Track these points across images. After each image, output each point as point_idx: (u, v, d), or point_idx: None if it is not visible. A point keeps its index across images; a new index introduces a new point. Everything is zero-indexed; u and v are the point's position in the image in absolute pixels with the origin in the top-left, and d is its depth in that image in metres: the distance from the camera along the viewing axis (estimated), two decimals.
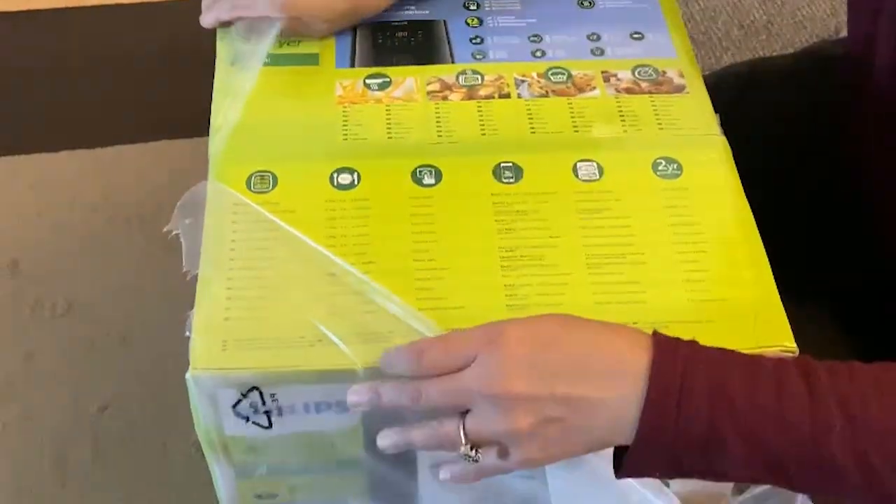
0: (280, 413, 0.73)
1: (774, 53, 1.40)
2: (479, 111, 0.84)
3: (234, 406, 0.73)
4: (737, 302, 0.74)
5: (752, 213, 0.79)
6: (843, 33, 1.00)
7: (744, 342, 0.72)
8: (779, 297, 0.75)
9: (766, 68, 1.09)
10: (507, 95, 0.85)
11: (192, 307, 0.95)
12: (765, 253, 0.77)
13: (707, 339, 0.71)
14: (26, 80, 1.51)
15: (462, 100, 0.85)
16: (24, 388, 1.07)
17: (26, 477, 1.01)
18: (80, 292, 1.15)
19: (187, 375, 0.71)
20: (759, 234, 0.78)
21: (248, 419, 0.73)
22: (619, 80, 0.86)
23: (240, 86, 0.85)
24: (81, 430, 1.02)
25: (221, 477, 0.79)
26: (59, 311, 1.12)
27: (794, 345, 0.72)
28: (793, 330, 0.76)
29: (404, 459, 0.79)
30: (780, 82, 1.04)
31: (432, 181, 0.80)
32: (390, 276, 0.75)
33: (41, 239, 1.20)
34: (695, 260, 0.76)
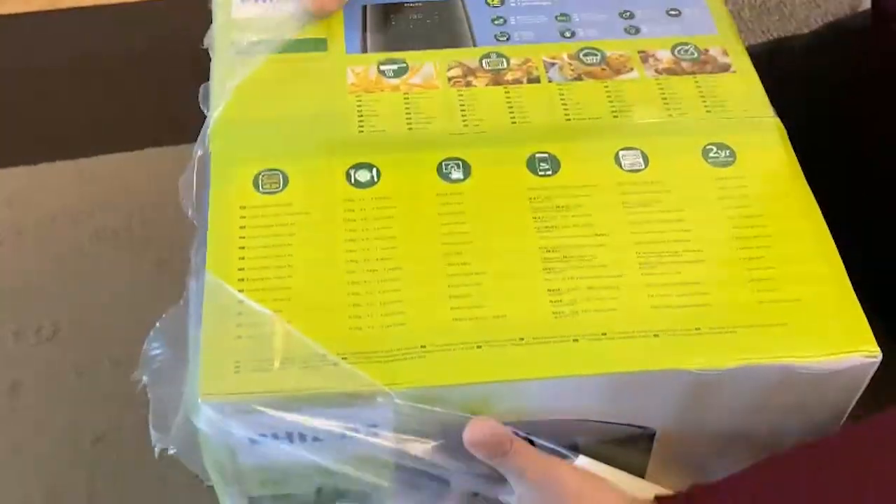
0: (303, 439, 0.63)
1: (789, 34, 1.31)
2: (507, 97, 0.74)
3: (249, 433, 0.62)
4: (810, 302, 0.64)
5: (816, 202, 0.69)
6: (861, 8, 0.91)
7: (821, 348, 0.62)
8: (854, 294, 0.65)
9: (786, 48, 0.99)
10: (537, 80, 0.75)
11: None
12: (834, 245, 0.67)
13: (780, 345, 0.62)
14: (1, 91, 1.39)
15: (487, 85, 0.74)
16: (10, 422, 0.96)
17: None
18: (67, 314, 1.04)
19: (198, 402, 0.61)
20: (825, 225, 0.68)
21: (264, 446, 0.63)
22: (657, 60, 0.76)
23: (242, 76, 0.75)
24: (75, 465, 0.91)
25: None
26: (45, 336, 1.01)
27: (877, 348, 0.63)
28: None
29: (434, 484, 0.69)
30: (801, 61, 0.94)
31: (460, 175, 0.69)
32: (420, 283, 0.64)
33: (21, 258, 1.09)
34: (759, 256, 0.66)
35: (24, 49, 1.47)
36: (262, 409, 0.60)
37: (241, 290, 0.64)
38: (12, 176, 1.19)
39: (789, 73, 0.93)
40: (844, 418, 0.68)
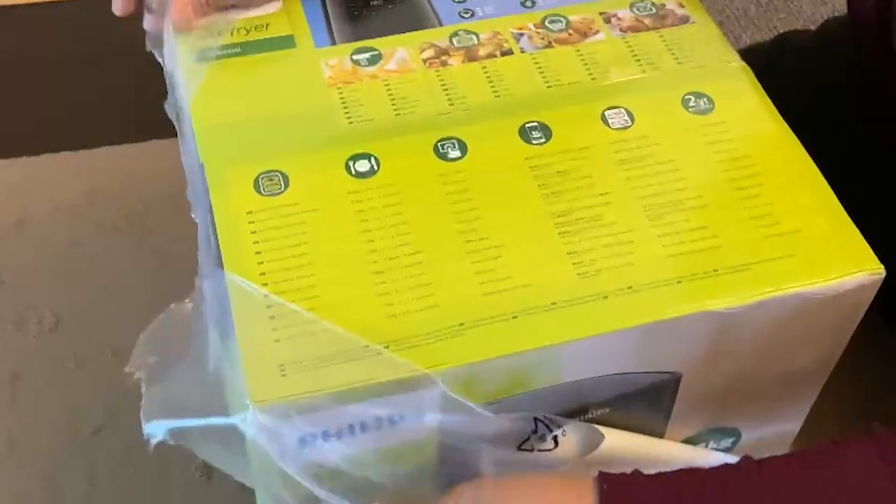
0: (352, 432, 0.63)
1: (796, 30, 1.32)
2: (485, 72, 0.75)
3: (300, 434, 0.62)
4: (810, 231, 0.67)
5: (794, 135, 0.72)
6: None
7: (829, 272, 0.65)
8: (848, 217, 0.68)
9: (793, 43, 1.02)
10: (510, 52, 0.76)
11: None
12: (820, 174, 0.70)
13: (792, 275, 0.65)
14: (2, 79, 1.35)
15: (463, 62, 0.75)
16: (10, 412, 0.93)
17: None
18: (68, 305, 1.01)
19: (248, 412, 0.60)
20: (808, 156, 0.71)
21: (313, 445, 0.63)
22: (620, 19, 0.78)
23: (215, 82, 0.74)
24: (75, 456, 0.89)
25: None
26: (47, 327, 0.98)
27: (880, 265, 0.66)
28: None
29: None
30: (808, 55, 0.97)
31: (458, 154, 0.70)
32: (444, 263, 0.65)
33: (23, 249, 1.05)
34: (755, 195, 0.68)
35: (24, 39, 1.43)
36: (312, 408, 0.60)
37: (266, 295, 0.64)
38: (14, 167, 1.15)
39: (795, 70, 0.95)
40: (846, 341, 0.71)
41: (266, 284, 0.64)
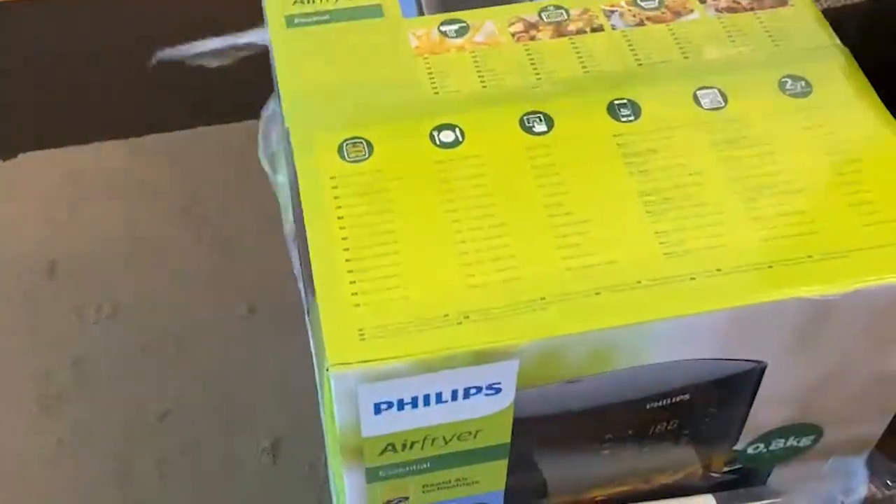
0: (427, 403, 0.62)
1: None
2: (574, 48, 0.74)
3: (377, 400, 0.62)
4: None
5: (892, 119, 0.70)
6: None
7: None
8: None
9: (845, 15, 1.00)
10: (600, 28, 0.75)
11: (247, 301, 0.83)
12: None
13: (886, 266, 0.63)
14: (50, 68, 1.35)
15: (552, 37, 0.74)
16: (76, 400, 0.93)
17: (88, 494, 0.88)
18: (126, 293, 1.01)
19: (327, 374, 0.60)
20: None
21: (390, 413, 0.63)
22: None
23: (303, 48, 0.74)
24: (142, 441, 0.89)
25: (350, 486, 0.68)
26: (105, 314, 0.98)
27: None
28: None
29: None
30: (862, 28, 0.95)
31: (544, 128, 0.69)
32: (527, 236, 0.64)
33: (78, 238, 1.05)
34: (855, 181, 0.67)
35: (75, 29, 1.42)
36: (389, 374, 0.60)
37: (348, 260, 0.63)
38: (67, 155, 1.16)
39: (848, 38, 0.94)
40: None
41: (347, 249, 0.64)
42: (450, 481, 0.70)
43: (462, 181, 0.66)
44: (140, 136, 1.18)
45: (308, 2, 0.76)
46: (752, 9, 0.76)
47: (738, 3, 0.76)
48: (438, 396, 0.62)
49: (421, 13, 0.76)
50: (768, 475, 0.78)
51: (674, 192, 0.66)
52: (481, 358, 0.60)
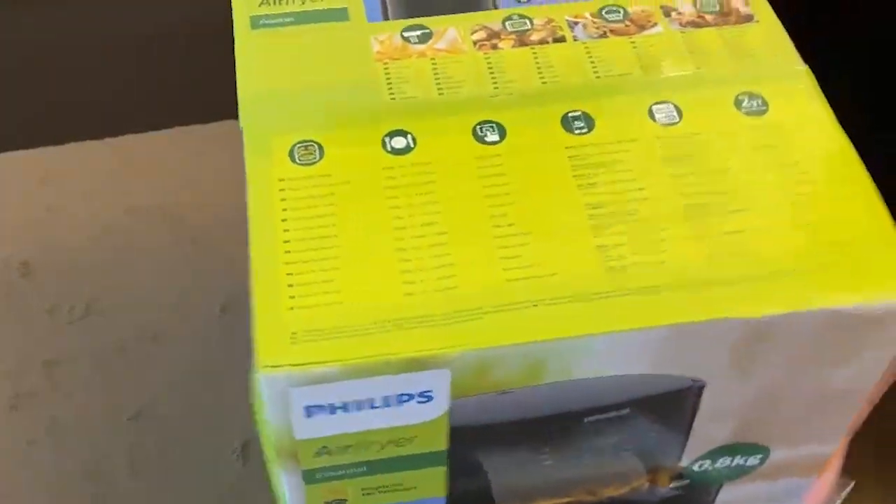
0: (359, 408, 0.63)
1: None
2: (535, 58, 0.74)
3: (308, 403, 0.62)
4: (857, 244, 0.65)
5: (852, 146, 0.70)
6: None
7: (870, 289, 0.63)
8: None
9: None
10: (563, 39, 0.75)
11: (220, 301, 0.84)
12: (875, 187, 0.68)
13: (830, 289, 0.63)
14: (26, 69, 1.36)
15: (514, 47, 0.75)
16: (48, 400, 0.95)
17: (60, 495, 0.89)
18: (101, 292, 1.02)
19: (257, 376, 0.61)
20: (864, 167, 0.69)
21: (321, 417, 0.63)
22: (680, 13, 0.77)
23: (265, 49, 0.75)
24: (115, 441, 0.91)
25: (288, 486, 0.69)
26: (79, 314, 1.00)
27: None
28: None
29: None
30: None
31: (496, 138, 0.70)
32: (469, 246, 0.65)
33: (53, 237, 1.07)
34: (803, 202, 0.67)
35: (51, 27, 1.44)
36: (319, 378, 0.61)
37: (287, 263, 0.64)
38: (42, 155, 1.18)
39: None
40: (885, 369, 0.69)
41: (289, 252, 0.64)
42: (388, 486, 0.71)
43: (409, 188, 0.67)
44: (117, 136, 1.20)
45: (274, 3, 0.77)
46: (716, 24, 0.76)
47: (703, 18, 0.76)
48: (371, 402, 0.63)
49: (386, 18, 0.77)
50: (717, 492, 0.79)
51: (620, 207, 0.66)
52: (412, 366, 0.61)
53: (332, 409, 0.63)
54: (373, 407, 0.63)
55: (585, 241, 0.65)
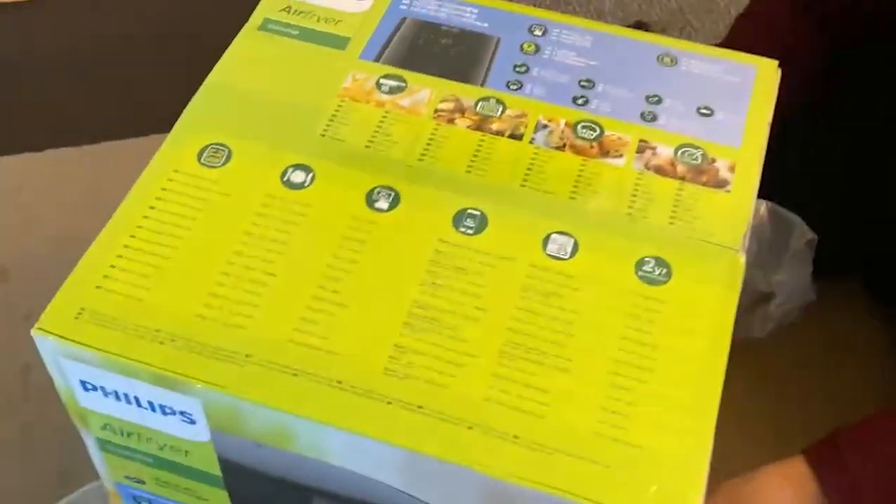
0: (129, 401, 0.66)
1: None
2: (478, 146, 0.72)
3: (80, 379, 0.66)
4: (650, 454, 0.60)
5: (726, 355, 0.64)
6: None
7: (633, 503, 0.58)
8: (704, 467, 0.60)
9: None
10: (520, 137, 0.73)
11: None
12: (716, 410, 0.62)
13: (589, 486, 0.59)
14: (2, 75, 1.44)
15: (468, 128, 0.73)
16: (23, 403, 1.02)
17: (32, 497, 0.97)
18: None
19: (32, 332, 0.65)
20: (721, 384, 0.63)
21: (98, 397, 0.67)
22: (655, 154, 0.72)
23: (255, 52, 0.77)
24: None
25: (90, 448, 0.73)
26: None
27: None
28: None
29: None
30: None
31: (384, 206, 0.69)
32: (282, 295, 0.65)
33: (30, 244, 1.14)
34: (629, 387, 0.62)
35: (25, 36, 1.51)
36: (78, 357, 0.64)
37: (126, 246, 0.67)
38: (18, 163, 1.23)
39: None
40: None
41: (134, 237, 0.68)
42: (180, 486, 0.73)
43: (274, 221, 0.68)
44: (92, 144, 1.23)
45: (293, 13, 0.79)
46: (682, 178, 0.70)
47: (674, 167, 0.71)
48: (137, 400, 0.65)
49: (378, 59, 0.77)
50: None
51: (443, 317, 0.64)
52: (162, 382, 0.63)
53: (105, 392, 0.66)
54: (140, 406, 0.66)
55: (388, 335, 0.64)
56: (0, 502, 0.97)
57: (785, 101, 0.77)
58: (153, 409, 0.66)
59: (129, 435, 0.69)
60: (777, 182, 0.77)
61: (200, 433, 0.66)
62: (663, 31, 1.57)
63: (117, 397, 0.66)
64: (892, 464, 0.84)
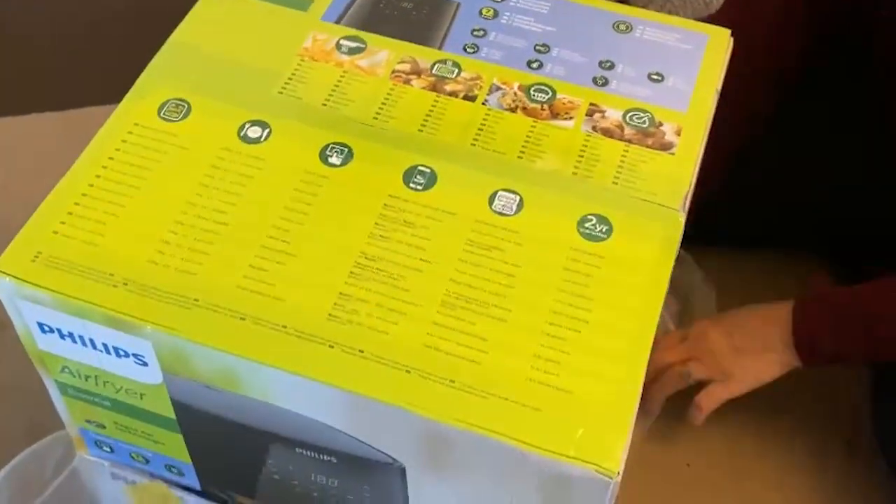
0: (84, 343, 0.70)
1: None
2: (432, 106, 0.76)
3: (37, 320, 0.70)
4: (580, 399, 0.64)
5: (659, 310, 0.68)
6: None
7: (559, 445, 0.62)
8: (630, 414, 0.64)
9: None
10: (473, 98, 0.77)
11: None
12: (646, 361, 0.66)
13: (520, 427, 0.63)
14: None
15: (423, 88, 0.77)
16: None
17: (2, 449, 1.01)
18: None
19: None
20: (651, 337, 0.67)
21: (54, 337, 0.71)
22: (604, 117, 0.76)
23: (216, 13, 0.82)
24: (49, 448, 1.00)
25: (51, 390, 0.77)
26: None
27: (616, 469, 0.62)
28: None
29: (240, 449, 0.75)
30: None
31: (337, 162, 0.73)
32: (233, 244, 0.69)
33: (7, 208, 1.16)
34: (562, 337, 0.66)
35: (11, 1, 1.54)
36: (34, 299, 0.68)
37: (84, 194, 0.71)
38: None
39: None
40: None
41: (92, 186, 0.72)
42: (137, 430, 0.77)
43: (228, 174, 0.72)
44: (66, 110, 1.26)
45: None
46: (628, 140, 0.74)
47: (621, 130, 0.75)
48: (92, 343, 0.70)
49: (339, 20, 0.81)
50: None
51: (388, 267, 0.68)
52: (113, 323, 0.67)
53: (62, 334, 0.70)
54: (95, 348, 0.70)
55: (334, 284, 0.68)
56: None
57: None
58: (107, 352, 0.70)
59: (86, 378, 0.74)
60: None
61: (153, 375, 0.70)
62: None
63: (73, 339, 0.70)
64: (846, 317, 1.02)
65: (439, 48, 0.80)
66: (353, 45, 0.80)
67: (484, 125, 0.75)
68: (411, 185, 0.72)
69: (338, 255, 0.69)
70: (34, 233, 0.70)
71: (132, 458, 0.81)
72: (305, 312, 0.67)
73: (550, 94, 0.77)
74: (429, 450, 0.66)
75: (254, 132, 0.75)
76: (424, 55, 0.79)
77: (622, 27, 0.82)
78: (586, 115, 0.76)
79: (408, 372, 0.65)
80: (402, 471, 0.69)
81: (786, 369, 1.04)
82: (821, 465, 1.14)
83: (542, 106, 0.77)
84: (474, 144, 0.75)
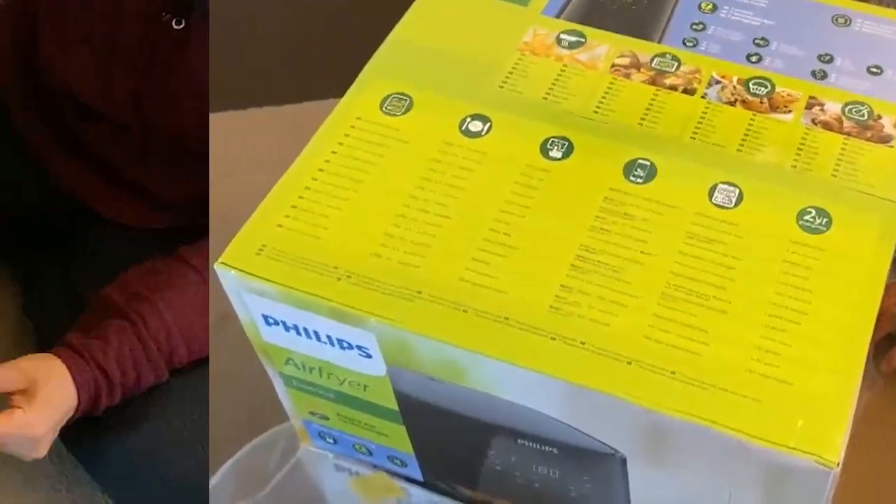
0: (308, 336, 0.75)
1: None
2: (651, 100, 0.79)
3: (262, 313, 0.75)
4: (799, 390, 0.65)
5: (879, 302, 0.69)
6: None
7: (780, 437, 0.64)
8: (850, 405, 0.65)
9: None
10: (692, 92, 0.79)
11: None
12: (865, 352, 0.67)
13: (741, 418, 0.65)
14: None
15: (643, 82, 0.80)
16: (221, 349, 1.06)
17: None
18: None
19: (214, 266, 0.74)
20: (870, 330, 0.68)
21: (279, 331, 0.76)
22: (823, 111, 0.77)
23: (438, 7, 0.86)
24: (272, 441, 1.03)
25: (276, 383, 0.82)
26: None
27: (836, 460, 0.63)
28: None
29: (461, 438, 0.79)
30: None
31: (558, 155, 0.76)
32: (455, 237, 0.73)
33: (228, 208, 1.19)
34: (783, 329, 0.67)
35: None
36: (259, 292, 0.73)
37: (307, 188, 0.76)
38: (222, 120, 1.30)
39: None
40: None
41: (316, 179, 0.76)
42: (361, 422, 0.81)
43: (451, 168, 0.76)
44: (294, 104, 1.29)
45: None
46: (847, 133, 0.75)
47: (840, 123, 0.76)
48: (316, 335, 0.74)
49: (559, 15, 0.84)
50: None
51: (609, 259, 0.71)
52: (337, 315, 0.71)
53: (286, 327, 0.75)
54: (319, 340, 0.74)
55: (555, 276, 0.71)
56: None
57: None
58: (332, 344, 0.74)
59: (310, 370, 0.78)
60: None
61: (377, 367, 0.74)
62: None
63: (298, 332, 0.75)
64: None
65: (658, 42, 0.82)
66: (573, 39, 0.83)
67: (703, 118, 0.78)
68: (631, 178, 0.75)
69: (559, 248, 0.72)
70: (259, 226, 0.75)
71: (355, 449, 0.86)
72: (527, 305, 0.70)
73: (769, 87, 0.79)
74: (649, 441, 0.69)
75: (475, 126, 0.78)
76: (644, 49, 0.82)
77: (841, 21, 0.83)
78: (805, 108, 0.78)
79: (629, 363, 0.67)
80: (624, 461, 0.71)
81: None
82: None
83: (760, 99, 0.78)
84: (694, 138, 0.77)
